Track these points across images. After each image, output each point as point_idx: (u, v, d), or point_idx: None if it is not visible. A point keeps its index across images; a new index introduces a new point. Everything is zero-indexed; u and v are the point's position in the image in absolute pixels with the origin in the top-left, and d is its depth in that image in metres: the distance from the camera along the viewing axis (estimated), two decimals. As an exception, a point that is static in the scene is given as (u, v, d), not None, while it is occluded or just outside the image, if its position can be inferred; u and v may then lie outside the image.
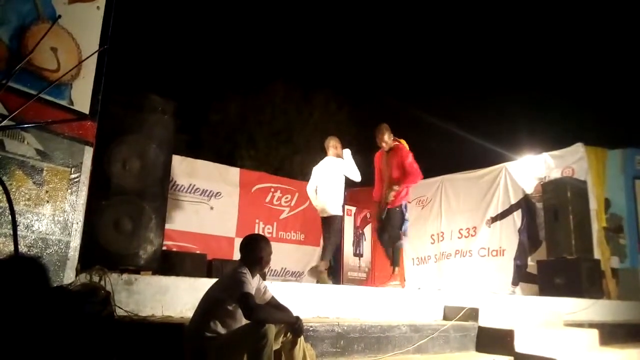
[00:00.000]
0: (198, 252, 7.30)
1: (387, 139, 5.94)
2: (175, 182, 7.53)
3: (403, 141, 6.03)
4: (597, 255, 6.89)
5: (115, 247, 3.37)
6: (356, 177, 6.08)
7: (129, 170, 3.51)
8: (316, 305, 3.82)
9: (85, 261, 2.92)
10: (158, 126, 3.70)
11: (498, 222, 8.38)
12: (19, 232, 2.51)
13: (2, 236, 2.50)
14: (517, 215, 8.14)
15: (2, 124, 2.52)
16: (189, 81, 17.63)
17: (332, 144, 6.13)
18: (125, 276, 3.03)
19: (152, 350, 2.67)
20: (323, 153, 6.30)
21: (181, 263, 6.05)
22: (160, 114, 3.73)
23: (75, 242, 2.84)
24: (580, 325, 5.13)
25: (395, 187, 5.76)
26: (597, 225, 7.18)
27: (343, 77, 22.88)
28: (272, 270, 8.44)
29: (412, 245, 9.88)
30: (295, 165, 16.42)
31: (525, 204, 8.04)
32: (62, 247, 2.76)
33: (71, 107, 2.89)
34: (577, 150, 7.59)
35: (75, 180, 2.87)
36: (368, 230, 10.37)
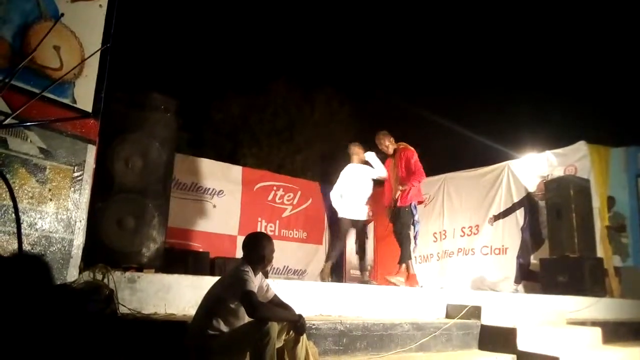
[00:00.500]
0: (201, 250, 7.31)
1: (388, 144, 6.11)
2: (178, 180, 7.54)
3: (405, 144, 6.13)
4: (600, 253, 6.88)
5: (118, 245, 3.37)
6: (383, 174, 6.25)
7: (132, 168, 3.52)
8: (319, 303, 3.83)
9: (89, 259, 2.93)
10: (160, 124, 3.70)
11: (500, 221, 8.37)
12: (22, 230, 2.52)
13: (5, 234, 2.51)
14: (520, 214, 8.12)
15: (6, 122, 2.53)
16: (191, 79, 17.64)
17: (355, 150, 6.35)
18: (128, 274, 3.04)
19: (155, 348, 2.67)
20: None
21: (184, 261, 6.06)
22: (163, 112, 3.73)
23: (79, 240, 2.85)
24: (583, 323, 5.12)
25: (400, 187, 5.90)
26: (599, 224, 7.16)
27: (345, 75, 22.85)
28: (274, 268, 8.45)
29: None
30: (297, 163, 16.42)
31: (527, 202, 8.03)
32: (65, 245, 2.77)
33: (74, 105, 2.90)
34: (580, 149, 7.57)
35: (78, 178, 2.88)
36: (370, 229, 10.37)
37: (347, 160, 6.40)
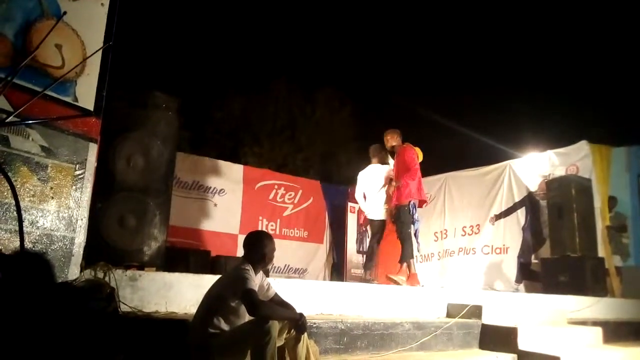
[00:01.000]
0: (202, 248, 7.32)
1: (394, 143, 6.11)
2: (179, 178, 7.55)
3: (409, 144, 6.11)
4: (601, 253, 6.87)
5: (119, 244, 3.38)
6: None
7: (133, 166, 3.52)
8: (319, 302, 3.83)
9: (90, 257, 2.93)
10: (162, 123, 3.71)
11: (502, 220, 8.37)
12: (24, 228, 2.53)
13: (7, 232, 2.52)
14: (521, 213, 8.12)
15: (7, 120, 2.53)
16: (193, 78, 17.65)
17: (376, 152, 6.45)
18: (129, 272, 3.04)
19: (157, 346, 2.68)
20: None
21: (185, 259, 6.07)
22: (164, 111, 3.73)
23: (80, 238, 2.85)
24: (583, 323, 5.12)
25: (394, 183, 5.93)
26: (601, 223, 7.16)
27: (346, 74, 22.84)
28: (275, 267, 8.46)
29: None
30: (298, 162, 16.43)
31: (529, 201, 8.02)
32: (66, 243, 2.77)
33: (76, 103, 2.90)
34: (582, 148, 7.56)
35: (79, 176, 2.88)
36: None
37: (359, 160, 6.41)
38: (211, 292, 2.79)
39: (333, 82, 17.87)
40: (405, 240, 5.78)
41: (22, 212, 2.52)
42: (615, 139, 7.91)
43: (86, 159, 2.92)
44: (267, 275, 3.10)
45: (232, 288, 2.67)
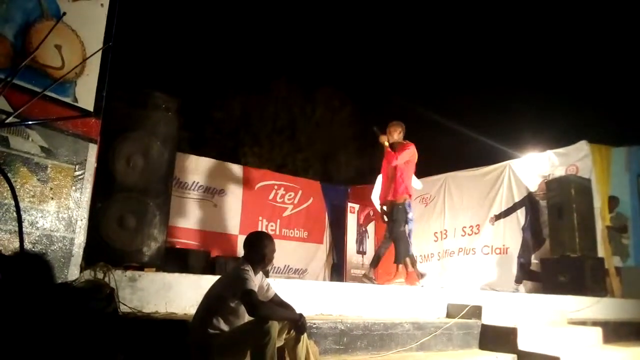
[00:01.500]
0: (201, 249, 7.32)
1: (396, 137, 6.03)
2: (179, 179, 7.55)
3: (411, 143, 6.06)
4: (601, 253, 6.87)
5: (119, 244, 3.38)
6: (418, 185, 6.62)
7: (133, 167, 3.52)
8: (319, 303, 3.83)
9: (90, 258, 2.93)
10: (162, 123, 3.71)
11: (502, 220, 8.36)
12: (23, 229, 2.53)
13: (7, 233, 2.52)
14: (521, 213, 8.12)
15: (7, 121, 2.53)
16: (193, 78, 17.64)
17: None
18: (129, 273, 3.04)
19: (156, 347, 2.68)
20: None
21: (185, 260, 6.07)
22: (164, 111, 3.74)
23: (80, 238, 2.85)
24: (583, 323, 5.12)
25: (386, 143, 5.89)
26: (601, 224, 7.15)
27: (346, 74, 22.83)
28: (275, 267, 8.46)
29: (415, 242, 9.87)
30: (298, 162, 16.43)
31: (529, 201, 8.02)
32: (66, 243, 2.78)
33: (75, 104, 2.90)
34: (582, 148, 7.56)
35: (79, 177, 2.88)
36: (371, 228, 10.37)
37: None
38: (211, 293, 2.79)
39: (333, 82, 17.88)
40: (399, 240, 5.72)
41: (22, 212, 2.53)
42: (615, 139, 7.92)
43: (86, 160, 2.92)
44: (267, 276, 3.10)
45: (232, 288, 2.68)
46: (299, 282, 4.20)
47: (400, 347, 3.65)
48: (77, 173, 2.87)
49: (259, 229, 8.24)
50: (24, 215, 2.56)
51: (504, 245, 8.24)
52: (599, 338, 4.75)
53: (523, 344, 3.93)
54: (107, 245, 3.31)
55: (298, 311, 2.81)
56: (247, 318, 2.68)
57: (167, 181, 3.75)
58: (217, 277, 2.97)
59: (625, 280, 7.11)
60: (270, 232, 8.08)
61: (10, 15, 2.69)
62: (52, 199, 2.74)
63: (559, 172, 7.56)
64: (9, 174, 2.50)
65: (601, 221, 7.16)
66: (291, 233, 9.09)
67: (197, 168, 8.02)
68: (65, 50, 2.87)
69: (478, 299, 4.67)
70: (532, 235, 7.83)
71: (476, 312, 4.30)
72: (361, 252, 9.71)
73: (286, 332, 2.73)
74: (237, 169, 8.82)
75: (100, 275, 2.87)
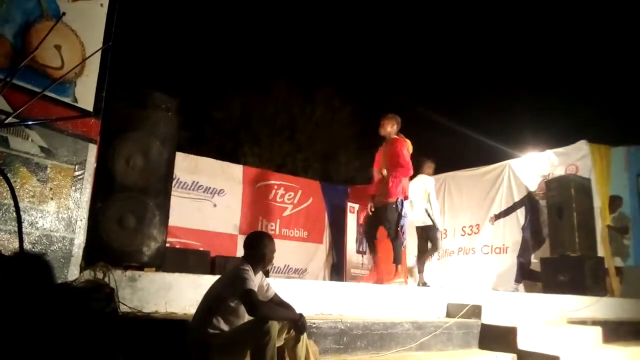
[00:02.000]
0: (201, 249, 7.33)
1: (389, 130, 5.95)
2: (179, 179, 7.55)
3: (402, 136, 5.99)
4: (600, 253, 6.87)
5: (119, 244, 3.38)
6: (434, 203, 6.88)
7: (133, 167, 3.52)
8: (319, 302, 3.83)
9: (89, 258, 2.93)
10: (161, 123, 3.70)
11: (501, 220, 8.38)
12: (23, 229, 2.53)
13: (7, 233, 2.52)
14: (521, 213, 8.13)
15: (7, 121, 2.53)
16: (193, 78, 17.65)
17: (427, 164, 6.93)
18: (129, 273, 3.04)
19: (156, 347, 2.68)
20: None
21: (184, 260, 6.08)
22: (164, 111, 3.73)
23: (79, 239, 2.85)
24: (583, 322, 5.12)
25: (384, 172, 5.76)
26: (601, 223, 7.16)
27: (346, 74, 22.85)
28: (275, 267, 8.46)
29: (414, 242, 9.90)
30: (298, 162, 16.43)
31: (528, 201, 8.03)
32: (66, 244, 2.77)
33: (75, 104, 2.90)
34: (581, 148, 7.56)
35: (79, 177, 2.88)
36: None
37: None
38: (211, 293, 2.79)
39: (333, 82, 17.88)
40: (394, 240, 5.67)
41: (22, 213, 2.53)
42: (615, 138, 7.93)
43: (85, 160, 2.92)
44: (267, 276, 3.10)
45: (232, 288, 2.67)
46: (298, 282, 4.20)
47: (400, 346, 3.65)
48: (76, 173, 2.87)
49: (259, 229, 8.25)
50: (23, 216, 2.56)
51: (503, 245, 8.26)
52: (598, 337, 4.75)
53: (523, 344, 3.93)
54: (106, 245, 3.30)
55: (298, 311, 2.81)
56: (247, 318, 2.68)
57: (167, 181, 3.75)
58: (217, 276, 2.97)
59: (625, 279, 7.12)
60: (270, 232, 8.10)
61: (10, 15, 2.69)
62: (52, 199, 2.74)
63: (559, 171, 7.57)
64: (8, 174, 2.50)
65: (601, 221, 7.17)
66: (291, 233, 9.09)
67: (196, 168, 8.02)
68: (65, 50, 2.87)
69: (478, 298, 4.67)
70: (532, 234, 7.84)
71: (476, 311, 4.30)
72: (361, 252, 9.71)
73: (286, 331, 2.73)
74: (236, 168, 8.82)
75: (100, 275, 2.87)
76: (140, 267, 3.42)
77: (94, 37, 3.02)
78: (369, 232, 6.06)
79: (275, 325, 2.53)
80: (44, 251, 2.68)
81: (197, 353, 2.63)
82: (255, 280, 2.79)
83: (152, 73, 15.29)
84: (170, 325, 2.84)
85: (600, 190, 7.32)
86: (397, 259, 5.70)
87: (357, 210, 9.56)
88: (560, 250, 6.63)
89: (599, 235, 6.96)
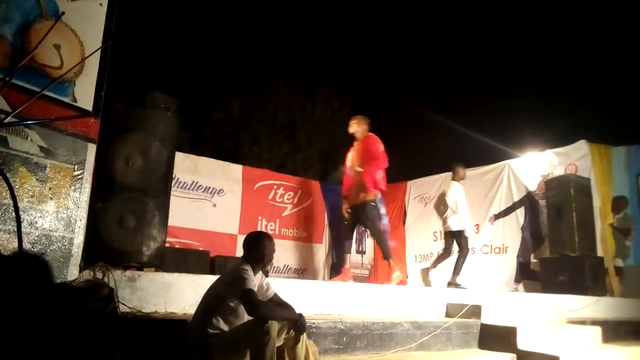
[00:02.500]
0: (201, 249, 7.33)
1: (358, 129, 5.97)
2: (178, 179, 7.55)
3: (373, 135, 5.93)
4: (600, 252, 6.87)
5: (118, 244, 3.38)
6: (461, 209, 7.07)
7: (132, 167, 3.52)
8: (319, 302, 3.83)
9: (89, 258, 2.93)
10: (161, 123, 3.70)
11: (501, 220, 8.38)
12: (22, 229, 2.52)
13: (6, 233, 2.51)
14: (520, 213, 8.13)
15: (6, 120, 2.53)
16: (192, 78, 17.65)
17: (458, 171, 7.17)
18: (128, 273, 3.04)
19: (156, 347, 2.68)
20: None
21: (184, 260, 6.07)
22: (163, 111, 3.73)
23: (79, 238, 2.85)
24: (583, 322, 5.12)
25: (358, 168, 5.72)
26: (600, 223, 7.15)
27: (346, 74, 22.85)
28: (274, 267, 8.46)
29: (414, 242, 9.90)
30: (298, 162, 16.43)
31: (528, 201, 8.03)
32: (65, 243, 2.77)
33: (74, 104, 2.90)
34: (581, 147, 7.57)
35: (78, 177, 2.88)
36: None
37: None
38: (210, 292, 2.79)
39: (332, 82, 17.88)
40: (379, 237, 5.58)
41: (21, 212, 2.52)
42: (614, 138, 7.93)
43: (85, 160, 2.92)
44: (267, 276, 3.10)
45: (231, 288, 2.67)
46: (298, 282, 4.20)
47: (400, 346, 3.65)
48: (76, 173, 2.87)
49: (259, 229, 8.24)
50: (22, 215, 2.56)
51: (503, 245, 8.26)
52: (598, 337, 4.75)
53: (522, 343, 3.94)
54: (106, 245, 3.30)
55: (297, 311, 2.81)
56: (246, 318, 2.68)
57: (167, 181, 3.75)
58: (217, 276, 2.97)
59: (625, 279, 7.12)
60: (270, 232, 8.10)
61: (9, 15, 2.68)
62: (51, 198, 2.74)
63: (558, 171, 7.57)
64: (7, 174, 2.50)
65: (600, 220, 7.17)
66: (290, 233, 9.09)
67: (196, 168, 8.02)
68: (64, 49, 2.87)
69: (477, 298, 4.67)
70: (532, 234, 7.84)
71: (475, 311, 4.30)
72: (360, 252, 9.72)
73: (286, 331, 2.73)
74: (236, 168, 8.81)
75: (99, 275, 2.87)
76: (140, 267, 3.42)
77: (93, 36, 3.01)
78: (348, 233, 6.06)
79: (274, 325, 2.53)
80: (43, 251, 2.67)
81: (197, 353, 2.63)
82: (255, 280, 2.79)
83: (151, 73, 15.30)
84: (170, 325, 2.84)
85: (600, 190, 7.32)
86: (387, 254, 5.62)
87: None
88: (559, 250, 6.64)
89: (598, 235, 6.96)
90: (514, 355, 3.87)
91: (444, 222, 7.00)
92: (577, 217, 6.53)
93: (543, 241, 7.53)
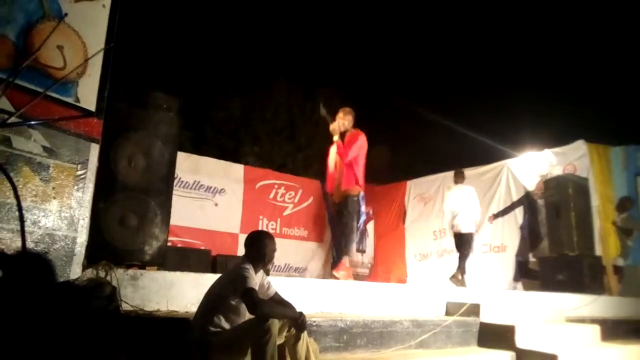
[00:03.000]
0: (202, 247, 7.35)
1: (346, 123, 5.83)
2: (180, 178, 7.58)
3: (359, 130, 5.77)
4: (599, 251, 6.90)
5: (121, 243, 3.40)
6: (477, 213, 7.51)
7: (135, 167, 3.54)
8: (319, 301, 3.85)
9: (92, 257, 2.95)
10: (163, 123, 3.72)
11: (500, 219, 8.40)
12: (26, 228, 2.55)
13: (9, 232, 2.54)
14: (519, 212, 8.16)
15: (9, 120, 2.55)
16: (194, 78, 17.65)
17: (464, 175, 7.57)
18: (130, 271, 3.06)
19: (158, 345, 2.70)
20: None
21: (186, 258, 6.10)
22: (165, 111, 3.75)
23: (82, 237, 2.87)
24: (581, 321, 5.14)
25: (336, 138, 5.65)
26: (599, 222, 7.18)
27: (346, 74, 22.84)
28: (275, 266, 8.49)
29: (414, 241, 9.93)
30: (298, 161, 16.43)
31: (527, 200, 8.06)
32: (68, 242, 2.80)
33: (77, 104, 2.92)
34: (579, 147, 7.59)
35: (81, 176, 2.90)
36: (371, 227, 10.39)
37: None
38: (212, 291, 2.81)
39: (333, 81, 17.89)
40: (350, 234, 5.37)
41: (24, 212, 2.55)
42: (613, 138, 7.95)
43: (88, 159, 2.94)
44: (268, 274, 3.12)
45: (232, 287, 2.69)
46: (299, 281, 4.22)
47: (400, 344, 3.67)
48: (79, 173, 2.89)
49: (260, 228, 8.28)
50: (26, 215, 2.59)
51: (502, 244, 8.28)
52: (596, 336, 4.77)
53: (521, 342, 3.96)
54: (108, 244, 3.33)
55: (298, 309, 2.83)
56: (247, 316, 2.70)
57: (169, 180, 3.77)
58: (218, 275, 2.99)
59: (625, 278, 7.14)
60: (271, 231, 8.11)
61: (12, 16, 2.70)
62: (54, 198, 2.76)
63: (557, 171, 7.59)
64: (11, 174, 2.53)
65: (599, 220, 7.19)
66: (291, 232, 9.12)
67: (198, 167, 8.05)
68: (67, 50, 2.89)
69: (476, 297, 4.69)
70: (530, 233, 7.87)
71: (475, 310, 4.32)
72: (361, 251, 9.75)
73: (286, 330, 2.75)
74: (237, 168, 8.85)
75: (102, 274, 2.89)
76: (142, 266, 3.44)
77: (96, 37, 3.04)
78: (334, 230, 5.95)
79: (275, 324, 2.55)
80: (46, 250, 2.70)
81: (199, 351, 2.65)
82: (256, 278, 2.81)
83: (153, 73, 15.30)
84: (172, 323, 2.86)
85: (598, 190, 7.35)
86: (348, 250, 5.37)
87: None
88: (558, 249, 6.66)
89: (597, 234, 6.99)
90: (512, 354, 3.89)
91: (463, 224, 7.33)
92: (576, 217, 6.56)
93: (542, 240, 7.56)
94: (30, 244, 2.62)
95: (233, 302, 2.71)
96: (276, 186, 9.10)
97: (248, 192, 8.59)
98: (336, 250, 6.34)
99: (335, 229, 6.00)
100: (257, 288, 2.74)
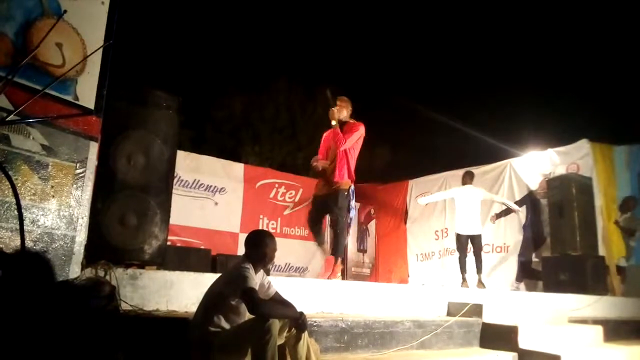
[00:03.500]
0: (202, 247, 7.34)
1: (345, 114, 5.62)
2: (180, 177, 7.57)
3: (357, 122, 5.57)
4: (602, 251, 6.87)
5: (120, 242, 3.38)
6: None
7: (134, 165, 3.52)
8: (320, 301, 3.83)
9: (91, 256, 2.93)
10: (163, 122, 3.70)
11: (502, 219, 8.38)
12: (24, 227, 2.53)
13: (8, 231, 2.52)
14: (522, 212, 8.13)
15: (8, 119, 2.53)
16: (194, 77, 17.65)
17: (470, 176, 7.44)
18: (130, 271, 3.05)
19: (157, 345, 2.68)
20: None
21: (186, 258, 6.07)
22: (165, 110, 3.73)
23: (81, 236, 2.85)
24: (584, 321, 5.12)
25: (334, 123, 5.46)
26: (602, 222, 7.15)
27: (347, 73, 22.82)
28: (276, 265, 8.48)
29: (416, 241, 9.92)
30: (299, 160, 16.42)
31: (529, 200, 8.03)
32: (67, 241, 2.78)
33: (76, 102, 2.89)
34: (582, 147, 7.57)
35: (80, 175, 2.88)
36: (372, 226, 10.38)
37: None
38: (211, 291, 2.79)
39: (334, 80, 17.87)
40: (341, 233, 5.08)
41: (23, 210, 2.53)
42: (616, 137, 7.92)
43: (87, 158, 2.92)
44: (268, 274, 3.10)
45: (232, 286, 2.68)
46: (299, 280, 4.20)
47: (401, 345, 3.65)
48: (78, 171, 2.87)
49: (260, 227, 8.26)
50: (25, 213, 2.56)
51: (504, 244, 8.26)
52: (599, 336, 4.75)
53: (524, 343, 3.93)
54: (108, 243, 3.30)
55: (299, 309, 2.81)
56: (248, 316, 2.68)
57: (168, 179, 3.75)
58: (218, 275, 2.97)
59: (628, 278, 7.11)
60: (271, 230, 8.09)
61: (11, 14, 2.68)
62: (53, 197, 2.74)
63: (560, 170, 7.57)
64: (10, 172, 2.50)
65: (602, 220, 7.16)
66: (292, 231, 9.10)
67: (198, 166, 8.03)
68: (66, 48, 2.87)
69: (479, 297, 4.67)
70: (533, 233, 7.85)
71: (477, 310, 4.30)
72: (362, 250, 9.74)
73: (287, 330, 2.73)
74: (237, 167, 8.84)
75: (101, 273, 2.88)
76: (142, 265, 3.42)
77: (95, 35, 3.01)
78: (313, 226, 5.53)
79: (276, 324, 2.53)
80: (45, 249, 2.68)
81: (198, 351, 2.63)
82: (256, 278, 2.80)
83: (153, 71, 15.30)
84: (171, 323, 2.84)
85: (602, 189, 7.32)
86: (339, 250, 5.08)
87: (358, 209, 9.58)
88: (561, 249, 6.63)
89: (600, 234, 6.96)
90: (515, 354, 3.87)
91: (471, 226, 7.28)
92: (579, 216, 6.53)
93: (544, 240, 7.54)
94: (29, 243, 2.60)
95: (233, 302, 2.69)
96: (276, 185, 9.08)
97: (248, 191, 8.58)
98: (319, 245, 5.99)
99: (314, 225, 5.56)
100: (257, 288, 2.72)
